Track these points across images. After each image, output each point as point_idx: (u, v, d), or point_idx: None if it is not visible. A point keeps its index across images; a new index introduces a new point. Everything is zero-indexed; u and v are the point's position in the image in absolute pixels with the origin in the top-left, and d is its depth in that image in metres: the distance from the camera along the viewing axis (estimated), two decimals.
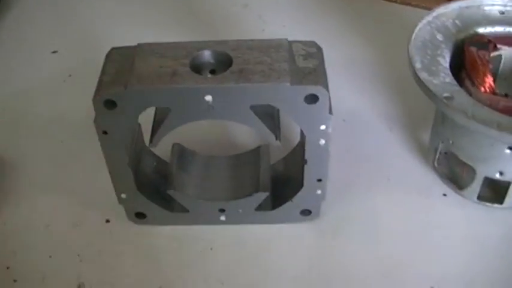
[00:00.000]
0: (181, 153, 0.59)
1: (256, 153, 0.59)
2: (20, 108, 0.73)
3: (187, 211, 0.56)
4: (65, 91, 0.75)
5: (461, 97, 0.52)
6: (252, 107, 0.47)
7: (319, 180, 0.53)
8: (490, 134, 0.49)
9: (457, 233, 0.56)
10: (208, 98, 0.46)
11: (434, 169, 0.61)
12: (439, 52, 0.57)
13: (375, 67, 0.76)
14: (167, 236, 0.57)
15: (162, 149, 0.58)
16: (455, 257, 0.55)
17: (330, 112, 0.48)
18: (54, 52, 0.81)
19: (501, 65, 0.60)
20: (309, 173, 0.52)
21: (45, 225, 0.58)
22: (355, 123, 0.67)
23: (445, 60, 0.56)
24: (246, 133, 0.66)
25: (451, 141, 0.57)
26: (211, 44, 0.49)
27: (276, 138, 0.50)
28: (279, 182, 0.57)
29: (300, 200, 0.55)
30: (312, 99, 0.47)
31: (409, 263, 0.54)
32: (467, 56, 0.56)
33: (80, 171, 0.64)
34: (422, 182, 0.61)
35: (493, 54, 0.58)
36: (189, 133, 0.60)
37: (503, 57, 0.59)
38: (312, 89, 0.46)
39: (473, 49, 0.56)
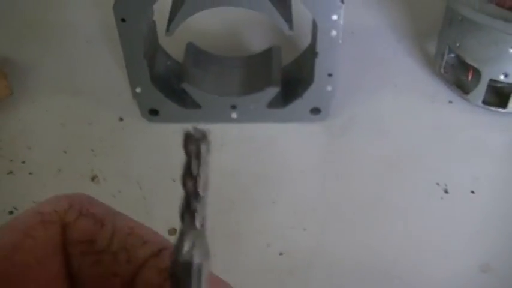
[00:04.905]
0: (195, 51, 0.60)
1: (268, 53, 0.60)
2: (32, 14, 0.73)
3: (200, 107, 0.57)
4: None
5: None
6: None
7: (330, 75, 0.54)
8: (496, 26, 0.51)
9: (462, 136, 0.58)
10: None
11: (441, 76, 0.63)
12: None
13: None
14: (179, 132, 0.58)
15: (175, 51, 0.60)
16: (460, 156, 0.56)
17: (342, 1, 0.49)
18: None
19: None
20: (320, 67, 0.54)
21: (60, 124, 0.60)
22: (364, 35, 0.68)
23: None
24: (258, 35, 0.68)
25: (457, 44, 0.58)
26: None
27: (290, 28, 0.51)
28: (290, 81, 0.58)
29: (310, 96, 0.56)
30: None
31: (416, 160, 0.56)
32: None
33: (95, 73, 0.65)
34: (428, 89, 0.63)
35: None
36: (201, 35, 0.62)
37: None
38: None
39: None
